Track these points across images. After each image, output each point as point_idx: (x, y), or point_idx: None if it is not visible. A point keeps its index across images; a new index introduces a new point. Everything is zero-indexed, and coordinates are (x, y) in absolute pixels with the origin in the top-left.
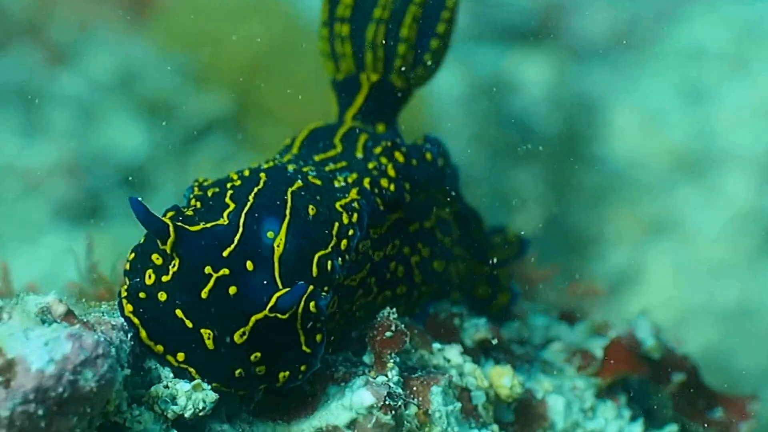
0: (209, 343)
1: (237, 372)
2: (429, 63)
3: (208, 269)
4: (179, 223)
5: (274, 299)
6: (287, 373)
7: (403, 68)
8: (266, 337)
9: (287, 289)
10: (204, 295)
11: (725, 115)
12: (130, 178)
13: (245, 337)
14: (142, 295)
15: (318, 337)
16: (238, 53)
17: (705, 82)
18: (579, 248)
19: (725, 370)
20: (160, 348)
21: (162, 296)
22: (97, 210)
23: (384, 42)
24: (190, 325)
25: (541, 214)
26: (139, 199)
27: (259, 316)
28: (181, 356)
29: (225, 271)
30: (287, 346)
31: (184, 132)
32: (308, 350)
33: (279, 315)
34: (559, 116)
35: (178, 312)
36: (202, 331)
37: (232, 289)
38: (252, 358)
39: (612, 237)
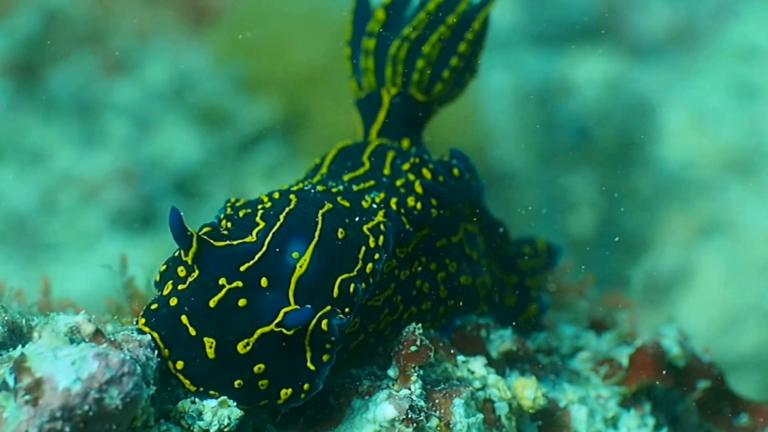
0: (210, 352)
1: (236, 382)
2: (446, 77)
3: (222, 281)
4: (204, 236)
5: (281, 315)
6: (290, 390)
7: (420, 83)
8: (272, 351)
9: (296, 307)
10: (212, 303)
11: None
12: (184, 187)
13: (249, 348)
14: (153, 306)
15: (325, 357)
16: (294, 63)
17: (757, 80)
18: (631, 249)
19: None
20: (166, 352)
21: (173, 302)
22: (152, 217)
23: (405, 57)
24: (193, 332)
25: (594, 216)
26: (181, 213)
27: (266, 329)
28: (180, 364)
29: (238, 283)
30: (292, 361)
31: (237, 140)
32: (313, 368)
33: (284, 331)
34: (612, 117)
35: (183, 318)
36: (205, 339)
37: (242, 302)
38: (255, 369)
39: (664, 237)
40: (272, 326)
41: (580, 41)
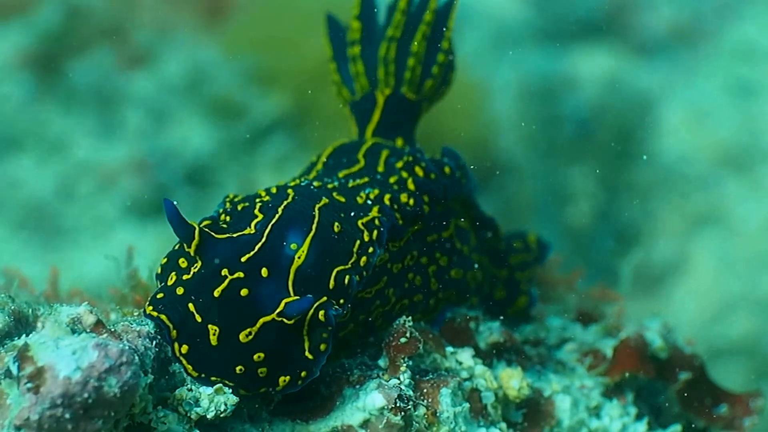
0: (213, 339)
1: (238, 368)
2: (435, 73)
3: (224, 271)
4: (206, 229)
5: (282, 305)
6: (288, 378)
7: (412, 80)
8: (272, 340)
9: (296, 297)
10: (216, 293)
11: None
12: (196, 177)
13: (251, 336)
14: (160, 295)
15: (322, 347)
16: (306, 58)
17: (754, 79)
18: (627, 240)
19: (764, 358)
20: (174, 333)
21: (179, 291)
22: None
23: (395, 57)
24: (199, 319)
25: (592, 208)
26: (174, 202)
27: (267, 318)
28: (184, 348)
29: (240, 274)
30: (291, 350)
31: (248, 132)
32: (311, 357)
33: (285, 320)
34: (614, 112)
35: (190, 306)
36: (209, 326)
37: (244, 291)
38: (255, 357)
39: (659, 229)
40: (274, 315)
41: (586, 38)
